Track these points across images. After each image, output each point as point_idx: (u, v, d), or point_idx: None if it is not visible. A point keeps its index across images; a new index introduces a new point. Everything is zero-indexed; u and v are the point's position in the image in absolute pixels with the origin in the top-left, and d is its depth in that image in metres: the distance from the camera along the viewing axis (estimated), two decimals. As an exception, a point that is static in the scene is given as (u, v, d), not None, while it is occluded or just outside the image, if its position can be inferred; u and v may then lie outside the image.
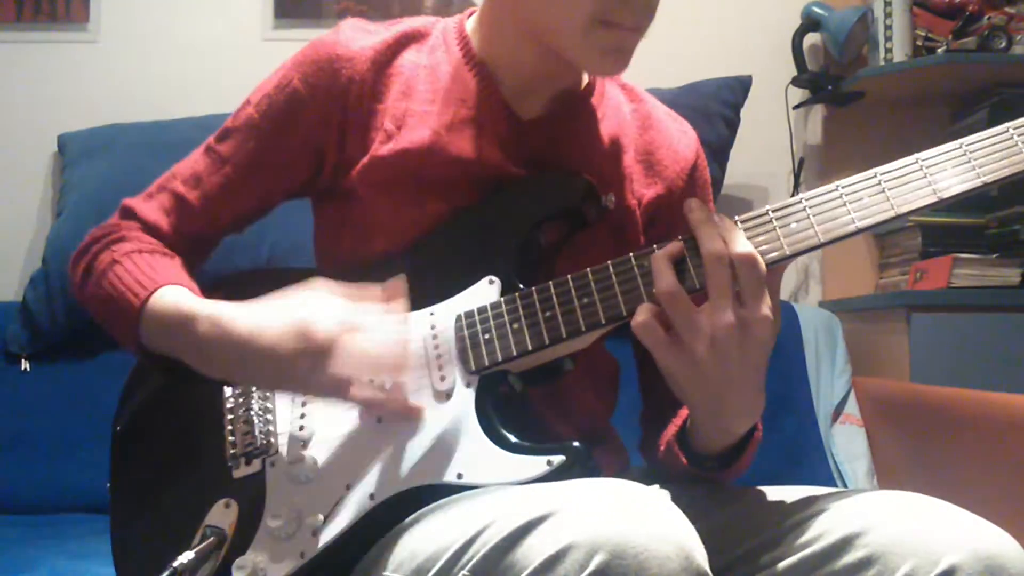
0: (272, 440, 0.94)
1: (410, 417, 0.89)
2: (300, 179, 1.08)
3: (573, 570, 0.68)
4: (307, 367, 0.85)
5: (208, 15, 2.30)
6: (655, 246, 0.87)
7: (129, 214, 1.09)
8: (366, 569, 0.85)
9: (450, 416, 0.89)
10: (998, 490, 1.47)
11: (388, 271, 1.00)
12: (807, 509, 0.86)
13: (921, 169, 0.85)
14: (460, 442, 0.87)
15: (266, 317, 0.88)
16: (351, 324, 0.86)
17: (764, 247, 0.84)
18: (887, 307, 2.03)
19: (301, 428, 0.94)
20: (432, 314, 0.95)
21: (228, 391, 0.99)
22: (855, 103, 2.23)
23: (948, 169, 0.84)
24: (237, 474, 0.94)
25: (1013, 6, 2.17)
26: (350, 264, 1.04)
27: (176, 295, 0.95)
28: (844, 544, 0.80)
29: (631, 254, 0.88)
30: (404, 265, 0.99)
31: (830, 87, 2.21)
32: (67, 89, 2.26)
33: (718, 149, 2.04)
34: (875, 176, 0.85)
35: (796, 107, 2.29)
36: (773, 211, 0.86)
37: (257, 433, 0.95)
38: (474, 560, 0.73)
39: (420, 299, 0.96)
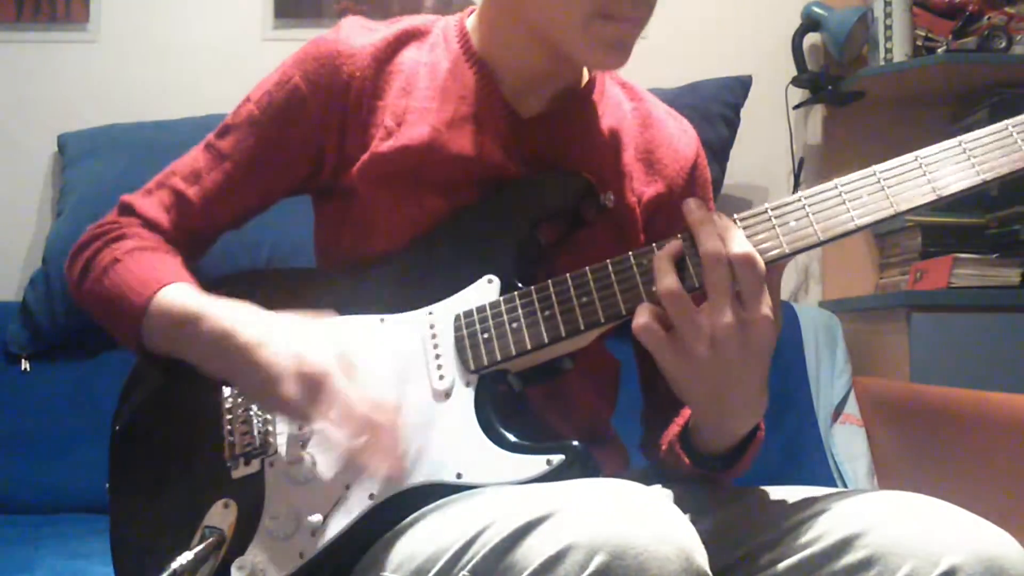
0: (271, 440, 0.94)
1: (373, 476, 0.88)
2: (300, 176, 1.08)
3: (573, 571, 0.67)
4: (292, 392, 0.86)
5: (208, 15, 2.30)
6: (654, 245, 0.87)
7: (128, 210, 1.09)
8: (365, 569, 0.85)
9: (449, 416, 0.89)
10: (998, 490, 1.47)
11: (387, 269, 1.00)
12: (807, 509, 0.86)
13: (920, 167, 0.85)
14: (459, 442, 0.87)
15: (271, 332, 0.89)
16: (345, 369, 0.88)
17: (763, 245, 0.84)
18: (887, 307, 2.03)
19: (300, 428, 0.94)
20: (431, 313, 0.94)
21: (227, 391, 0.99)
22: (855, 103, 2.24)
23: (947, 167, 0.84)
24: (236, 474, 0.94)
25: (1013, 6, 2.17)
26: (350, 262, 1.04)
27: (183, 293, 0.96)
28: (844, 545, 0.80)
29: (630, 253, 0.88)
30: (403, 264, 0.99)
31: (830, 87, 2.21)
32: (67, 89, 2.26)
33: (718, 149, 2.04)
34: (874, 174, 0.85)
35: (796, 107, 2.29)
36: (772, 209, 0.86)
37: (256, 433, 0.95)
38: (474, 561, 0.73)
39: (419, 298, 0.96)
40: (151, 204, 1.08)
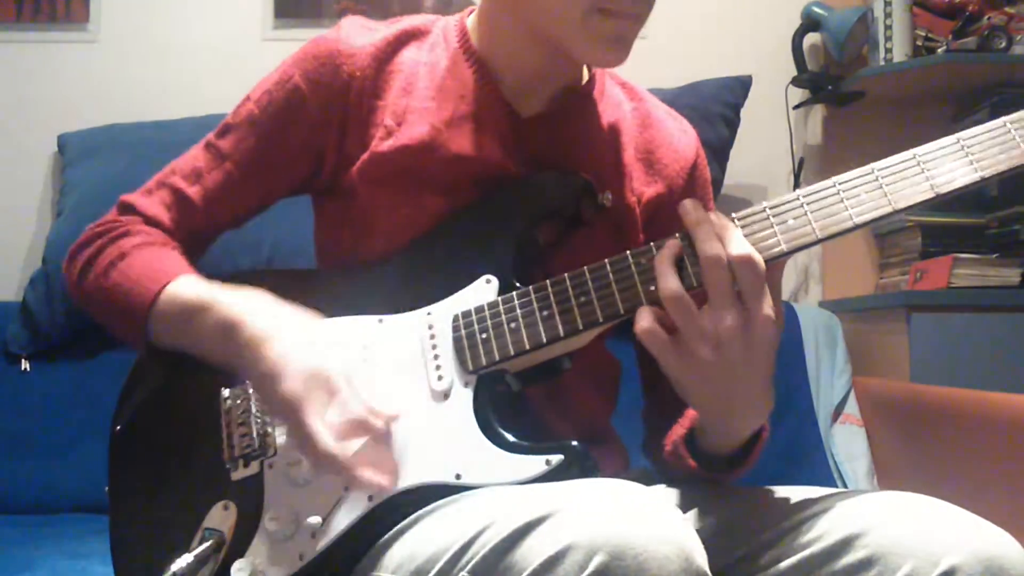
0: (270, 442, 0.94)
1: (363, 490, 0.88)
2: (300, 176, 1.08)
3: (572, 571, 0.67)
4: (293, 390, 0.86)
5: (208, 15, 2.30)
6: (652, 244, 0.87)
7: (129, 209, 1.09)
8: (365, 570, 0.85)
9: (448, 416, 0.88)
10: (998, 490, 1.47)
11: (386, 270, 1.00)
12: (807, 509, 0.86)
13: (918, 164, 0.85)
14: (458, 442, 0.87)
15: (280, 327, 0.90)
16: (347, 372, 0.88)
17: (761, 244, 0.84)
18: (887, 307, 2.03)
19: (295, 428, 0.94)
20: (429, 313, 0.94)
21: (226, 393, 0.99)
22: (855, 103, 2.23)
23: (945, 164, 0.84)
24: (235, 476, 0.94)
25: (1013, 6, 2.17)
26: (350, 262, 1.04)
27: (192, 284, 0.97)
28: (844, 545, 0.80)
29: (628, 252, 0.88)
30: (402, 264, 0.99)
31: (830, 87, 2.21)
32: (67, 89, 2.26)
33: (718, 149, 2.04)
34: (872, 172, 0.85)
35: (796, 107, 2.29)
36: (770, 208, 0.86)
37: (255, 435, 0.95)
38: (473, 561, 0.73)
39: (417, 298, 0.96)
40: (152, 203, 1.08)
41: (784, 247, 0.84)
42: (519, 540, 0.71)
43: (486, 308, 0.92)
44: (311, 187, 1.10)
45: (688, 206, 0.84)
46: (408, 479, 0.87)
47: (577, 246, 0.99)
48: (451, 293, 0.95)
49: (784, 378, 1.91)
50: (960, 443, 1.61)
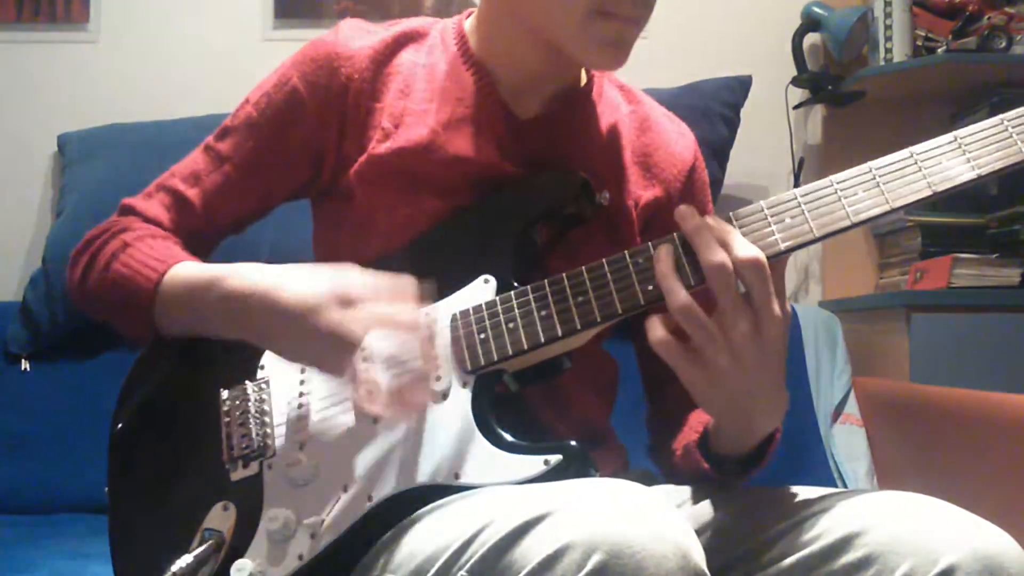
0: (269, 442, 0.94)
1: (410, 414, 0.89)
2: (300, 179, 1.08)
3: (571, 570, 0.68)
4: (334, 317, 0.86)
5: (208, 15, 2.30)
6: (650, 244, 0.87)
7: (129, 212, 1.09)
8: (364, 570, 0.85)
9: (447, 416, 0.88)
10: (998, 490, 1.47)
11: (385, 271, 0.99)
12: (807, 509, 0.86)
13: (916, 163, 0.85)
14: (457, 442, 0.87)
15: (296, 273, 0.90)
16: (381, 291, 0.87)
17: (760, 243, 0.84)
18: (887, 307, 2.03)
19: (298, 430, 0.94)
20: (428, 314, 0.94)
21: (225, 393, 0.99)
22: (855, 103, 2.23)
23: (943, 162, 0.84)
24: (235, 477, 0.94)
25: (1013, 6, 2.17)
26: (348, 264, 1.04)
27: (193, 267, 0.98)
28: (843, 544, 0.80)
29: (626, 252, 0.88)
30: (400, 264, 0.99)
31: (830, 87, 2.21)
32: (67, 89, 2.26)
33: (718, 149, 2.04)
34: (869, 170, 0.85)
35: (796, 107, 2.29)
36: (768, 207, 0.86)
37: (254, 436, 0.95)
38: (472, 560, 0.73)
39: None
40: (151, 205, 1.08)
41: (782, 246, 0.84)
42: (518, 539, 0.71)
43: (484, 308, 0.92)
44: (310, 190, 1.10)
45: (684, 212, 0.84)
46: (407, 479, 0.87)
47: (575, 247, 0.99)
48: (449, 293, 0.95)
49: (784, 378, 1.90)
50: (960, 443, 1.61)
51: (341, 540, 0.87)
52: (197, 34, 2.29)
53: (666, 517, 0.72)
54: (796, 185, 2.24)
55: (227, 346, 0.97)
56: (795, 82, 2.25)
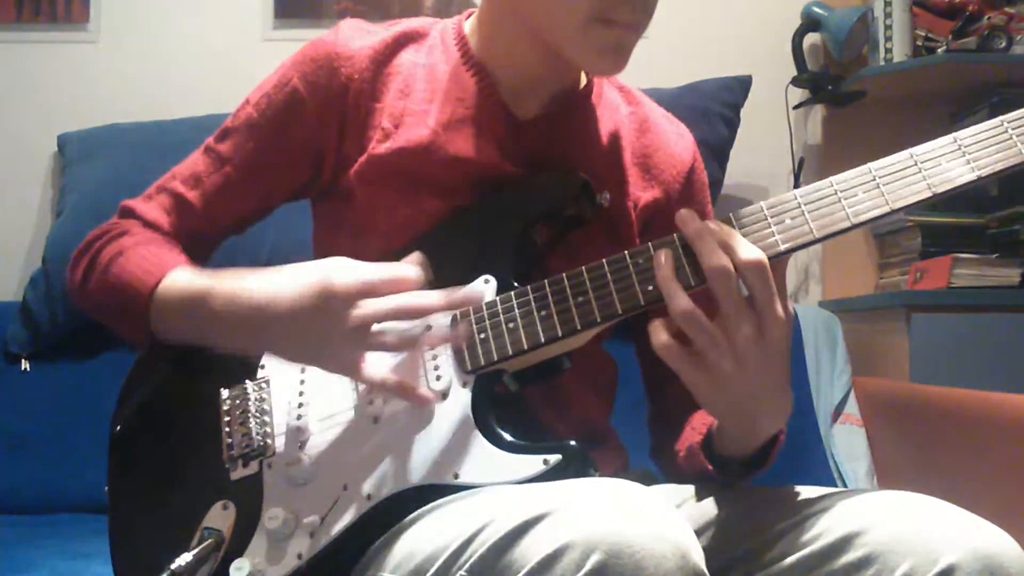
0: (269, 442, 0.94)
1: (416, 405, 0.89)
2: (300, 179, 1.08)
3: (570, 569, 0.68)
4: (327, 325, 0.86)
5: (208, 15, 2.30)
6: (650, 244, 0.87)
7: (129, 214, 1.09)
8: (364, 570, 0.85)
9: (446, 416, 0.88)
10: (998, 490, 1.47)
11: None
12: (807, 509, 0.86)
13: (916, 164, 0.84)
14: (457, 442, 0.87)
15: (282, 282, 0.89)
16: (371, 284, 0.87)
17: (759, 244, 0.84)
18: (887, 307, 2.03)
19: (298, 430, 0.94)
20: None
21: (225, 393, 0.99)
22: (855, 103, 2.23)
23: (942, 163, 0.84)
24: (235, 476, 0.94)
25: (1013, 6, 2.17)
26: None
27: (187, 276, 0.97)
28: (843, 543, 0.80)
29: (626, 252, 0.88)
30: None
31: (830, 87, 2.21)
32: (67, 89, 2.26)
33: (718, 149, 2.04)
34: (869, 172, 0.85)
35: (796, 107, 2.29)
36: (768, 208, 0.86)
37: (254, 435, 0.95)
38: (472, 560, 0.73)
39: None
40: (151, 207, 1.08)
41: (782, 247, 0.84)
42: (517, 539, 0.71)
43: (484, 308, 0.92)
44: (311, 190, 1.10)
45: (685, 216, 0.84)
46: (406, 479, 0.87)
47: (575, 247, 0.99)
48: (449, 293, 0.95)
49: (784, 378, 1.90)
50: (960, 443, 1.61)
51: (340, 539, 0.87)
52: (197, 34, 2.29)
53: (665, 517, 0.72)
54: (796, 185, 2.24)
55: (227, 346, 0.97)
56: (795, 82, 2.25)
